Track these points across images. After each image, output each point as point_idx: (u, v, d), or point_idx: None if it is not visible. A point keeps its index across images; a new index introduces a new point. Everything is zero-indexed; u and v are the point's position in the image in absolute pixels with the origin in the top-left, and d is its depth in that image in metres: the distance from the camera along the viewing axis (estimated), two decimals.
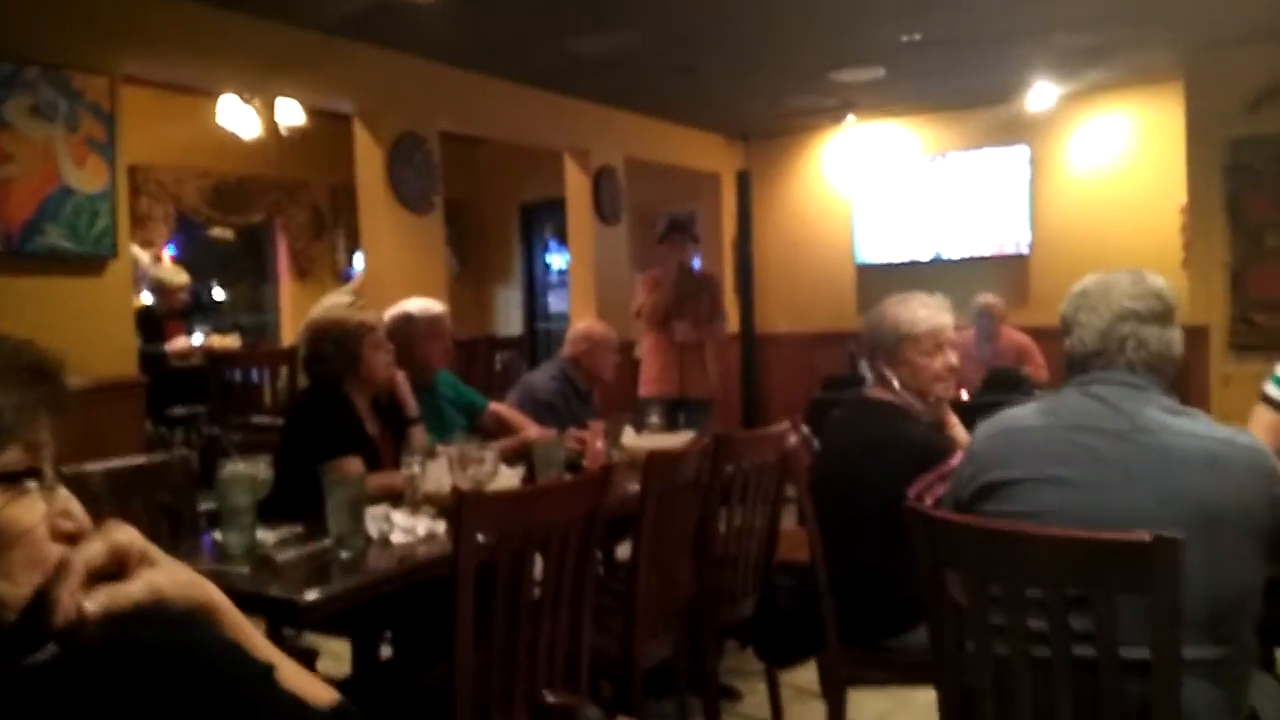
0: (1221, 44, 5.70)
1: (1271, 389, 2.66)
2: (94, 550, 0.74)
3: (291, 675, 0.85)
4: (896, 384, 2.54)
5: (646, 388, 5.54)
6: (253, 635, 0.83)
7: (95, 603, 0.71)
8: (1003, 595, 1.59)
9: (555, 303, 9.31)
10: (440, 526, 2.34)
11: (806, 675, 3.09)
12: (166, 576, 0.77)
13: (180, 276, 6.01)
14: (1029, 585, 1.57)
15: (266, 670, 0.77)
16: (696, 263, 8.61)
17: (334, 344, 2.93)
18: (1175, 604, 1.46)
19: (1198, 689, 1.54)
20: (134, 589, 0.74)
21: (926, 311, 2.57)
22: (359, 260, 5.84)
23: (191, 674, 0.69)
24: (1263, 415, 2.66)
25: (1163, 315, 1.76)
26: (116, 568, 0.75)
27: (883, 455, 2.41)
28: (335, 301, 5.67)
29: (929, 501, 1.91)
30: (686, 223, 6.12)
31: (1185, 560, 1.46)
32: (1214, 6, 5.02)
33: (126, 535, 0.77)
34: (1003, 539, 1.60)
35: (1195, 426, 1.66)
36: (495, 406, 3.74)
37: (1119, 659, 1.51)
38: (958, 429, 2.66)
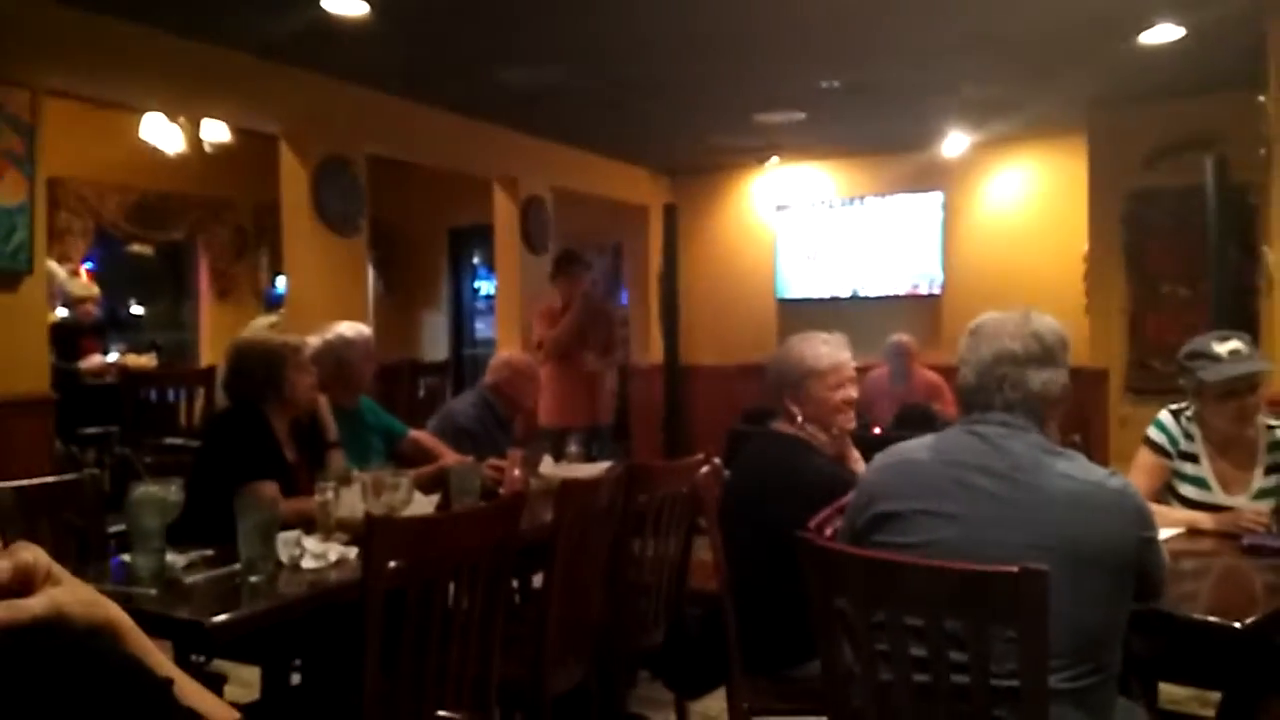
0: (1121, 102, 6.02)
1: (1153, 433, 2.84)
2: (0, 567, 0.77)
3: (192, 694, 0.87)
4: (800, 417, 2.64)
5: (550, 417, 5.53)
6: (154, 654, 0.86)
7: None
8: (885, 623, 1.69)
9: (483, 328, 9.30)
10: (352, 553, 2.36)
11: (716, 705, 3.15)
12: (69, 594, 0.80)
13: (88, 289, 5.90)
14: (908, 614, 1.66)
15: (165, 683, 0.80)
16: (625, 296, 8.73)
17: (258, 363, 2.93)
18: (1042, 633, 1.56)
19: (1065, 715, 1.64)
20: (34, 604, 0.77)
21: (828, 348, 2.68)
22: (281, 282, 5.79)
23: (90, 684, 0.72)
24: (1144, 457, 2.84)
25: (1040, 358, 1.83)
26: (20, 585, 0.78)
27: (785, 488, 2.50)
28: (269, 320, 5.66)
29: (828, 532, 2.00)
30: (578, 254, 6.17)
31: (1055, 594, 1.55)
32: (1113, 67, 5.30)
33: (32, 554, 0.79)
34: (884, 569, 1.69)
35: (1070, 468, 1.75)
36: (415, 434, 3.76)
37: (990, 685, 1.61)
38: (858, 463, 2.76)
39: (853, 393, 2.69)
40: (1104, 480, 1.74)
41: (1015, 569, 1.52)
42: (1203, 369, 2.62)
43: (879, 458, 1.97)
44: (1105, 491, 1.72)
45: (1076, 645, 1.65)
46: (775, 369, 2.72)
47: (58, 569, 0.81)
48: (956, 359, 1.94)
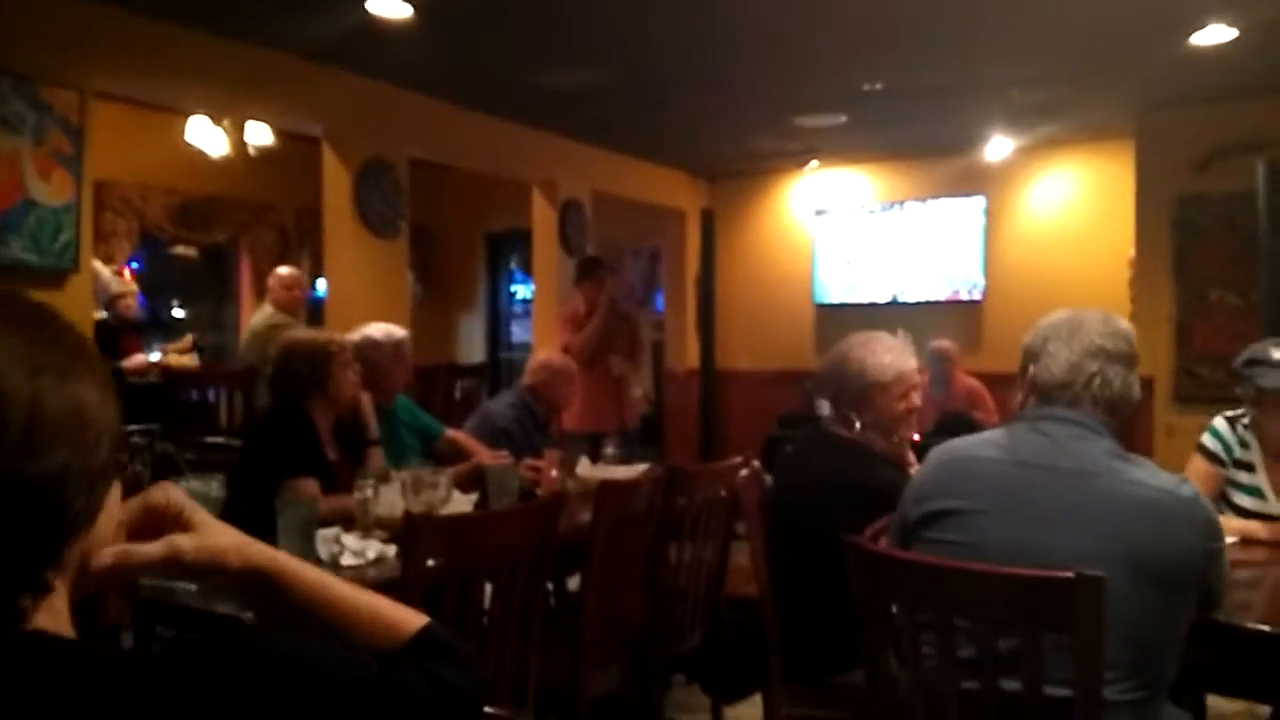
0: (1170, 105, 5.91)
1: (1208, 440, 2.77)
2: (130, 507, 0.76)
3: (370, 613, 0.85)
4: (859, 425, 2.53)
5: (577, 422, 5.39)
6: (324, 587, 0.84)
7: (105, 557, 0.73)
8: (934, 627, 1.65)
9: (519, 332, 9.34)
10: (391, 550, 2.36)
11: (752, 711, 3.11)
12: (194, 541, 0.78)
13: (124, 285, 5.97)
14: (959, 617, 1.62)
15: (347, 661, 0.76)
16: (661, 301, 8.71)
17: (305, 361, 2.97)
18: (1098, 642, 1.51)
19: None
20: (148, 550, 0.76)
21: (892, 357, 2.54)
22: (322, 284, 5.83)
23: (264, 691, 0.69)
24: (1198, 465, 2.77)
25: (1128, 357, 1.79)
26: (152, 527, 0.77)
27: (845, 495, 2.40)
28: (263, 319, 5.70)
29: (883, 542, 1.95)
30: (601, 259, 6.15)
31: (1115, 604, 1.51)
32: (1163, 70, 5.21)
33: (165, 496, 0.78)
34: (934, 573, 1.65)
35: (1141, 474, 1.68)
36: (451, 433, 3.77)
37: (1043, 695, 1.57)
38: (915, 469, 2.68)
39: (917, 400, 2.57)
40: (1175, 489, 1.66)
41: (1071, 575, 1.48)
42: (1261, 376, 2.56)
43: (934, 453, 1.90)
44: (1176, 501, 1.65)
45: (1135, 658, 1.59)
46: (832, 375, 2.58)
47: (198, 514, 0.80)
48: (1022, 350, 1.86)
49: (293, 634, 0.79)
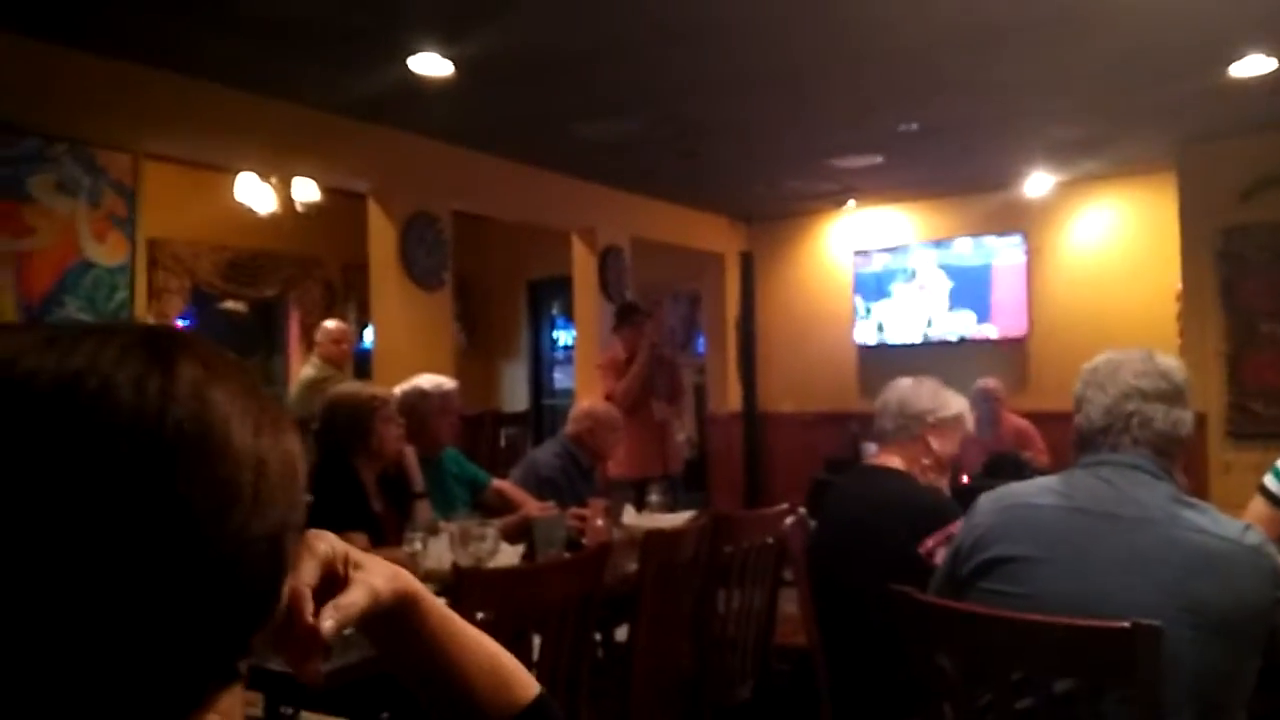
0: (1212, 136, 5.85)
1: (1270, 482, 2.68)
2: (310, 569, 0.73)
3: (490, 662, 0.85)
4: (938, 450, 2.63)
5: (622, 468, 5.32)
6: (449, 618, 0.84)
7: (330, 622, 0.72)
8: (989, 680, 1.62)
9: (561, 379, 9.38)
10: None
11: None
12: (379, 578, 0.77)
13: None
14: (1015, 670, 1.59)
15: None
16: (701, 344, 8.71)
17: (347, 416, 3.01)
18: (1157, 694, 1.48)
19: None
20: (357, 598, 0.75)
21: (969, 409, 2.75)
22: (369, 335, 5.92)
23: None
24: (1259, 506, 2.68)
25: (1169, 395, 1.74)
26: (331, 579, 0.75)
27: (891, 513, 2.47)
28: (311, 372, 5.77)
29: (940, 556, 1.96)
30: (639, 304, 6.15)
31: (1178, 656, 1.47)
32: (1203, 102, 5.16)
33: (328, 544, 0.76)
34: (986, 623, 1.62)
35: (1204, 521, 1.63)
36: (498, 483, 3.79)
37: None
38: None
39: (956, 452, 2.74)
40: (1239, 536, 1.61)
41: (1128, 624, 1.45)
42: None
43: (989, 500, 1.85)
44: (1241, 549, 1.59)
45: (1199, 711, 1.54)
46: (923, 397, 2.68)
47: (354, 550, 0.78)
48: (1074, 399, 1.83)
49: None
